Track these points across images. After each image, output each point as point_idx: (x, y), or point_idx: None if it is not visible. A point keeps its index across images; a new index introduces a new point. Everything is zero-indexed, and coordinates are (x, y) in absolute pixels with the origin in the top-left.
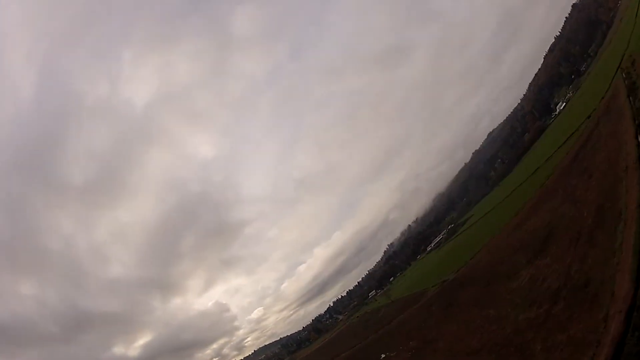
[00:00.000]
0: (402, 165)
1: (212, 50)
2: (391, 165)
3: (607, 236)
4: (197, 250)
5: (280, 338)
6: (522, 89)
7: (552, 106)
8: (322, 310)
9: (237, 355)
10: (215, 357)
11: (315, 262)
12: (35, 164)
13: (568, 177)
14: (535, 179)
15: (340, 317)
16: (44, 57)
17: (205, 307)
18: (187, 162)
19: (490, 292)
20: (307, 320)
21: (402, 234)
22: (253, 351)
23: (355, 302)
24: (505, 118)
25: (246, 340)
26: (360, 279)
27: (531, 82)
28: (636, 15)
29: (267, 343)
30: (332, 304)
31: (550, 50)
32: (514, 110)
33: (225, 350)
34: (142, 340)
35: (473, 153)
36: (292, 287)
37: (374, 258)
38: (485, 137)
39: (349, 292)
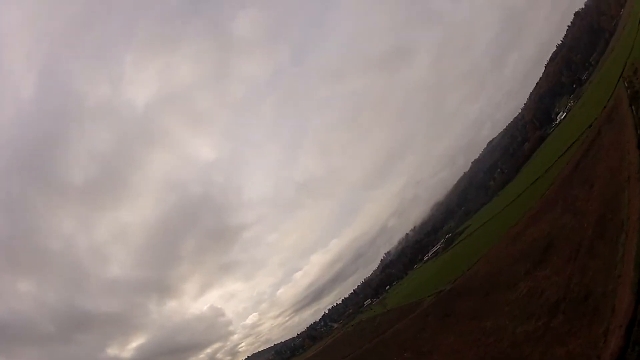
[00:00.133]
0: (402, 171)
1: (214, 52)
2: (392, 171)
3: (608, 248)
4: (195, 253)
5: (275, 344)
6: (523, 97)
7: (552, 115)
8: (317, 318)
9: None
10: None
11: (312, 269)
12: (36, 164)
13: (569, 187)
14: (535, 189)
15: (335, 325)
16: (45, 58)
17: (201, 311)
18: (188, 164)
19: (488, 303)
20: (302, 327)
21: (400, 242)
22: (247, 357)
23: (351, 310)
24: (505, 127)
25: (240, 346)
26: (356, 287)
27: (532, 90)
28: (639, 22)
29: (261, 349)
30: (327, 312)
31: (552, 58)
32: (514, 119)
33: (219, 355)
34: (136, 342)
35: (472, 162)
36: (288, 293)
37: (371, 266)
38: (485, 145)
39: (345, 300)
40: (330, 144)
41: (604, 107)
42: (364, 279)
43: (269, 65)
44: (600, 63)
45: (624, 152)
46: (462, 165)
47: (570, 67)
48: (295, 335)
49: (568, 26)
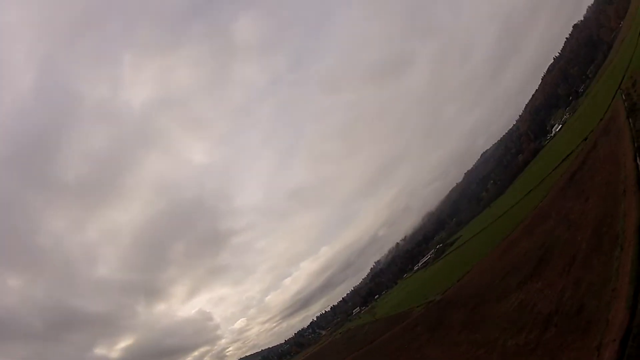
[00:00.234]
0: (394, 181)
1: (213, 57)
2: (384, 181)
3: (602, 261)
4: (185, 257)
5: (262, 350)
6: (518, 109)
7: (548, 127)
8: (305, 324)
9: None
10: None
11: (301, 275)
12: (31, 161)
13: (563, 199)
14: (528, 201)
15: (323, 332)
16: (44, 56)
17: (189, 315)
18: (182, 168)
19: (478, 315)
20: (290, 334)
21: (390, 251)
22: None
23: (339, 318)
24: (499, 138)
25: (227, 350)
26: (345, 295)
27: (528, 102)
28: (639, 35)
29: (248, 354)
30: (315, 319)
31: (549, 70)
32: (508, 130)
33: (206, 359)
34: (124, 343)
35: (465, 173)
36: (277, 299)
37: (360, 275)
38: (479, 157)
39: (333, 308)
40: (325, 153)
41: (601, 119)
42: (353, 287)
43: (267, 72)
44: (597, 75)
45: (621, 164)
46: (455, 176)
47: (567, 79)
48: (283, 341)
49: (566, 38)
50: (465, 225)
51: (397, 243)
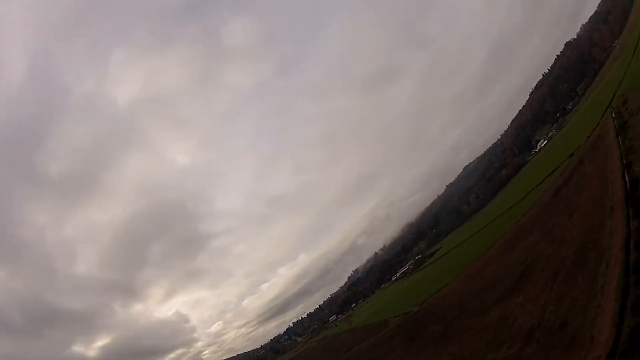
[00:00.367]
0: (376, 191)
1: (202, 58)
2: (365, 191)
3: (587, 278)
4: (163, 258)
5: (238, 354)
6: (503, 124)
7: (533, 143)
8: (281, 330)
9: None
10: None
11: (279, 281)
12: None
13: (547, 214)
14: (510, 215)
15: (299, 339)
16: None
17: (166, 316)
18: (164, 169)
19: (456, 328)
20: (266, 339)
21: (368, 260)
22: None
23: (315, 326)
24: (483, 152)
25: (204, 353)
26: (322, 302)
27: (514, 118)
28: (633, 54)
29: (224, 358)
30: (291, 325)
31: (537, 87)
32: (492, 145)
33: None
34: (102, 341)
35: (447, 186)
36: (254, 304)
37: (338, 283)
38: (461, 170)
39: (310, 315)
40: (307, 161)
41: (589, 136)
42: (331, 295)
43: (254, 77)
44: (587, 93)
45: (608, 182)
46: (437, 188)
47: (555, 95)
48: (259, 346)
49: (557, 55)
50: (445, 237)
51: (376, 252)
